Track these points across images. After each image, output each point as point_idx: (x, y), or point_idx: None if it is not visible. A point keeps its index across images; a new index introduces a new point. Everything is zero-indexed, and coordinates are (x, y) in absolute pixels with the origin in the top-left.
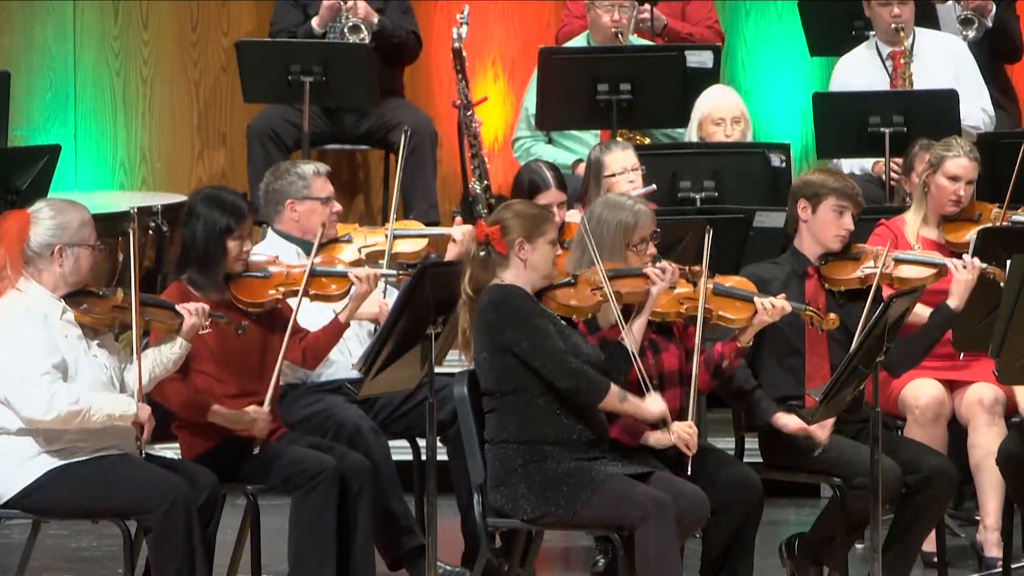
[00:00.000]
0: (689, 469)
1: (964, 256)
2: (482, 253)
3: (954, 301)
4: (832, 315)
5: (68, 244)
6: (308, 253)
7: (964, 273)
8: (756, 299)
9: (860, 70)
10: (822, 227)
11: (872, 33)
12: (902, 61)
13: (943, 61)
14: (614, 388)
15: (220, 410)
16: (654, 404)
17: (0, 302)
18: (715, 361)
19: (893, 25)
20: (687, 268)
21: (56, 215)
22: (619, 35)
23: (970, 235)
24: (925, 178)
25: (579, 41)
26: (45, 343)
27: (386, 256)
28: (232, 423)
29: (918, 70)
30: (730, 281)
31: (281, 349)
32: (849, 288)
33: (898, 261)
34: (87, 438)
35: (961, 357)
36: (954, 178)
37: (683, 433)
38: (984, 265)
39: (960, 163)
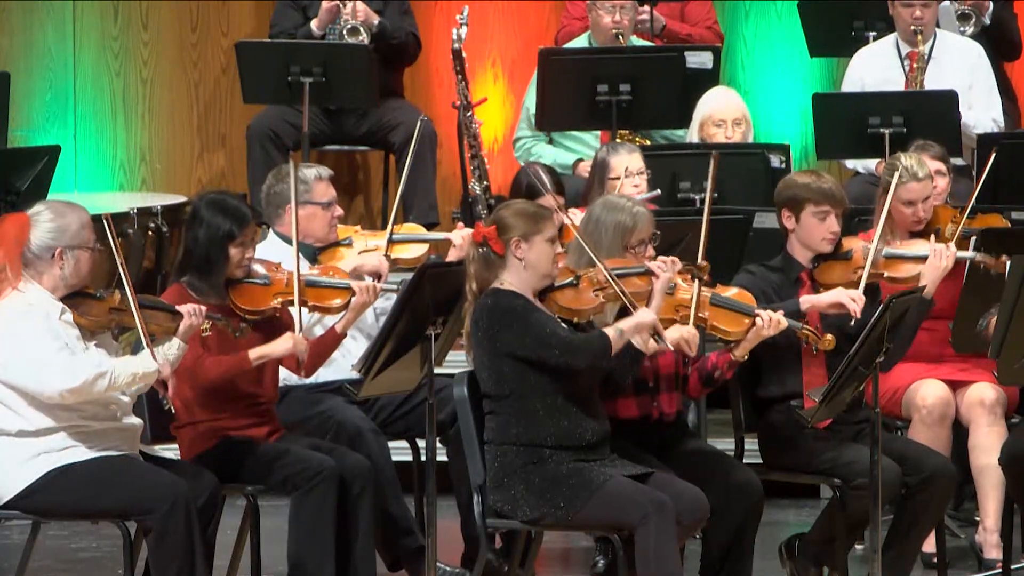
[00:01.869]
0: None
1: (951, 246)
2: (481, 253)
3: (926, 286)
4: (828, 336)
5: (68, 247)
6: (308, 256)
7: (940, 260)
8: (754, 313)
9: (876, 66)
10: (808, 234)
11: (872, 34)
12: (916, 65)
13: (960, 66)
14: (610, 332)
15: (257, 350)
16: (643, 314)
17: (1, 303)
18: (707, 371)
19: (912, 27)
20: (693, 266)
21: (56, 217)
22: (620, 36)
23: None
24: (881, 200)
25: (580, 42)
26: (50, 331)
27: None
28: (274, 352)
29: (935, 73)
30: (729, 292)
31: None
32: None
33: (887, 258)
34: (87, 439)
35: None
36: (909, 203)
37: (685, 333)
38: (972, 254)
39: (910, 188)
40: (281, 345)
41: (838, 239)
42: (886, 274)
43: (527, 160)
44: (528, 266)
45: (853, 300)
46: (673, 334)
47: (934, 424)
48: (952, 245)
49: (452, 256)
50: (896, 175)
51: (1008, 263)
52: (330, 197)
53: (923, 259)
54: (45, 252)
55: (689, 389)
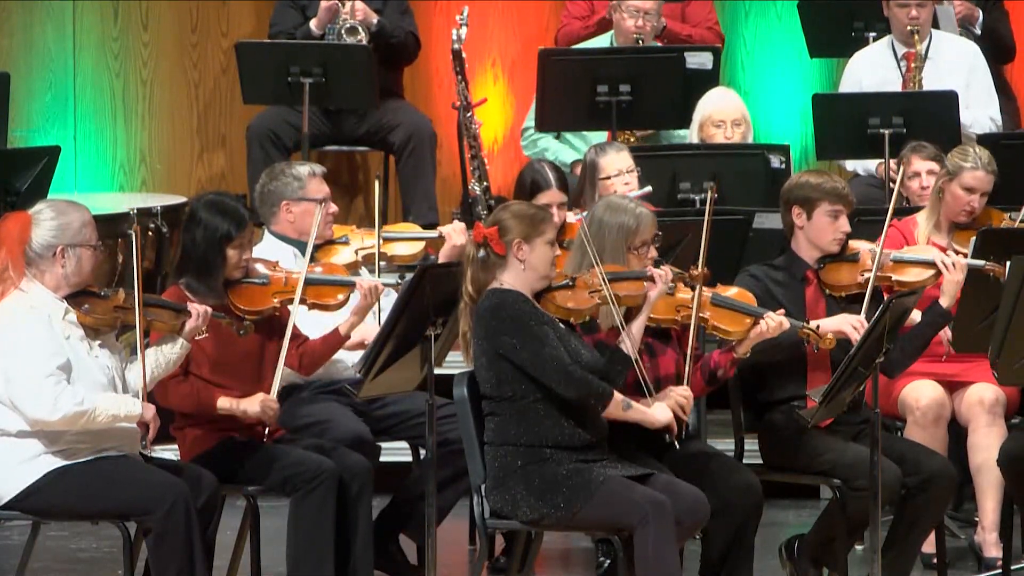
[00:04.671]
0: (677, 439)
1: (950, 253)
2: (480, 254)
3: (945, 300)
4: (830, 335)
5: (70, 245)
6: (304, 254)
7: (955, 273)
8: (755, 314)
9: (873, 68)
10: (819, 233)
11: (872, 34)
12: (913, 65)
13: (957, 66)
14: (617, 396)
15: (227, 400)
16: (660, 412)
17: (3, 303)
18: (711, 369)
19: (908, 27)
20: (686, 273)
21: (57, 216)
22: (639, 40)
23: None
24: (941, 184)
25: (602, 41)
26: (49, 343)
27: (376, 264)
28: (240, 411)
29: (932, 73)
30: (730, 292)
31: (280, 355)
32: (849, 293)
33: (895, 261)
34: (87, 439)
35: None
36: (969, 189)
37: (679, 397)
38: (981, 262)
39: (977, 175)
40: (250, 406)
41: (845, 241)
42: (893, 277)
43: (532, 151)
44: (529, 268)
45: (855, 328)
46: (664, 415)
47: (928, 425)
48: (965, 257)
49: (447, 250)
50: (965, 159)
51: (1008, 264)
52: (324, 193)
53: (930, 263)
54: (47, 251)
55: (692, 388)
